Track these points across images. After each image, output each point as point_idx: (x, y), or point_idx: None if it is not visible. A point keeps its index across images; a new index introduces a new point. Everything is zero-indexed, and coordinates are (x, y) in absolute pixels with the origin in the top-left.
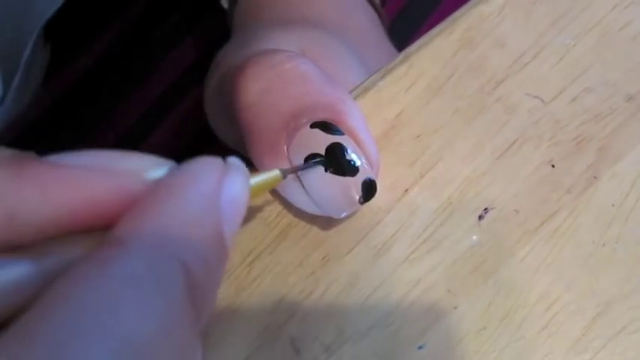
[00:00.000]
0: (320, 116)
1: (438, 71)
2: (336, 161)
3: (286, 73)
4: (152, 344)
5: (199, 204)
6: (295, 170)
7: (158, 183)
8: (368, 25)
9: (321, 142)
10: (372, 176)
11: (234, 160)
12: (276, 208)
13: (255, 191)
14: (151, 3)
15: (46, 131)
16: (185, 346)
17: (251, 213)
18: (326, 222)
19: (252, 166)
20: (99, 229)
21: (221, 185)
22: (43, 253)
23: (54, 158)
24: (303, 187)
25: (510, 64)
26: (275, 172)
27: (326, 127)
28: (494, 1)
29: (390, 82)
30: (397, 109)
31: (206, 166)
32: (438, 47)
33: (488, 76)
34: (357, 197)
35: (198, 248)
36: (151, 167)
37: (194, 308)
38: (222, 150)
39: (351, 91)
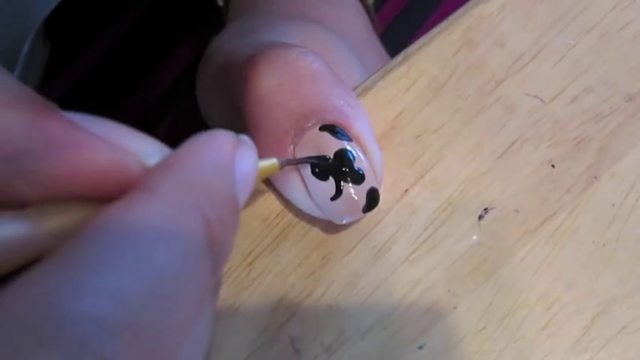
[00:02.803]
0: (329, 118)
1: (438, 71)
2: (343, 168)
3: (300, 70)
4: (178, 278)
5: (217, 166)
6: (293, 162)
7: (181, 145)
8: (361, 27)
9: (328, 145)
10: (377, 186)
11: (245, 137)
12: (276, 208)
13: None
14: (152, 2)
15: None
16: (203, 290)
17: (251, 213)
18: (326, 222)
19: None
20: (87, 199)
21: (234, 154)
22: (41, 214)
23: (75, 117)
24: (307, 189)
25: (510, 64)
26: (272, 161)
27: (335, 131)
28: (494, 1)
29: (390, 82)
30: (397, 109)
31: (222, 136)
32: (438, 47)
33: (488, 76)
34: (361, 206)
35: (216, 205)
36: (155, 154)
37: (213, 260)
38: None
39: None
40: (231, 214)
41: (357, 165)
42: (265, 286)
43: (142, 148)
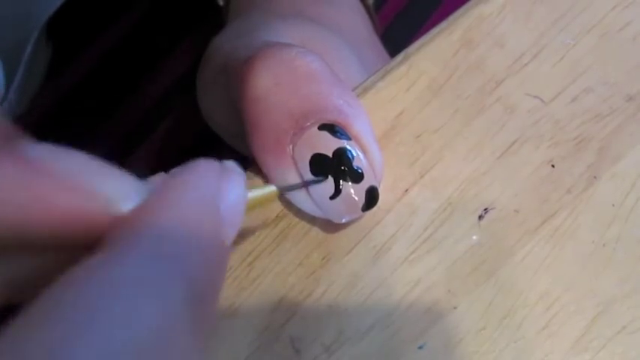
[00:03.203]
0: (328, 118)
1: (438, 71)
2: (342, 167)
3: (298, 69)
4: (150, 344)
5: (199, 206)
6: (292, 188)
7: (160, 185)
8: (362, 27)
9: (327, 145)
10: (376, 184)
11: (230, 164)
12: (276, 208)
13: (250, 205)
14: (153, 2)
15: (47, 131)
16: (185, 344)
17: (251, 213)
18: (326, 222)
19: (249, 163)
20: (48, 246)
21: (220, 188)
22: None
23: (42, 152)
24: (307, 188)
25: (510, 64)
26: (271, 189)
27: (333, 130)
28: (494, 1)
29: (390, 82)
30: (397, 109)
31: (204, 169)
32: (438, 47)
33: (488, 76)
34: (360, 205)
35: (198, 249)
36: (130, 197)
37: (195, 309)
38: (223, 146)
39: (352, 91)
40: (216, 254)
41: (356, 164)
42: (265, 286)
43: (116, 190)
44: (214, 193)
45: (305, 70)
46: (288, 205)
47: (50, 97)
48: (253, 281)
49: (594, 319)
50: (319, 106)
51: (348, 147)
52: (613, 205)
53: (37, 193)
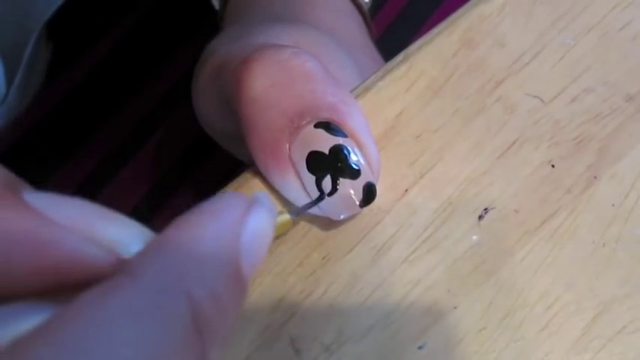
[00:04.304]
0: (323, 116)
1: (438, 71)
2: (338, 164)
3: (293, 69)
4: None
5: (217, 240)
6: (304, 210)
7: (181, 218)
8: (357, 33)
9: (323, 142)
10: (373, 180)
11: (259, 196)
12: (276, 208)
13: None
14: (152, 5)
15: (48, 131)
16: None
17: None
18: (326, 222)
19: (244, 167)
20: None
21: (243, 221)
22: None
23: (44, 200)
24: (304, 187)
25: (510, 64)
26: (285, 217)
27: (329, 127)
28: (494, 1)
29: (390, 82)
30: (397, 109)
31: (229, 202)
32: (438, 47)
33: (488, 76)
34: (357, 201)
35: (211, 284)
36: (135, 242)
37: (200, 343)
38: (220, 150)
39: (351, 92)
40: (230, 289)
41: (352, 160)
42: (265, 286)
43: (119, 235)
44: (235, 225)
45: (299, 69)
46: (288, 205)
47: (50, 98)
48: (253, 281)
49: (594, 319)
50: (314, 105)
51: (344, 144)
52: (613, 205)
53: (39, 240)
